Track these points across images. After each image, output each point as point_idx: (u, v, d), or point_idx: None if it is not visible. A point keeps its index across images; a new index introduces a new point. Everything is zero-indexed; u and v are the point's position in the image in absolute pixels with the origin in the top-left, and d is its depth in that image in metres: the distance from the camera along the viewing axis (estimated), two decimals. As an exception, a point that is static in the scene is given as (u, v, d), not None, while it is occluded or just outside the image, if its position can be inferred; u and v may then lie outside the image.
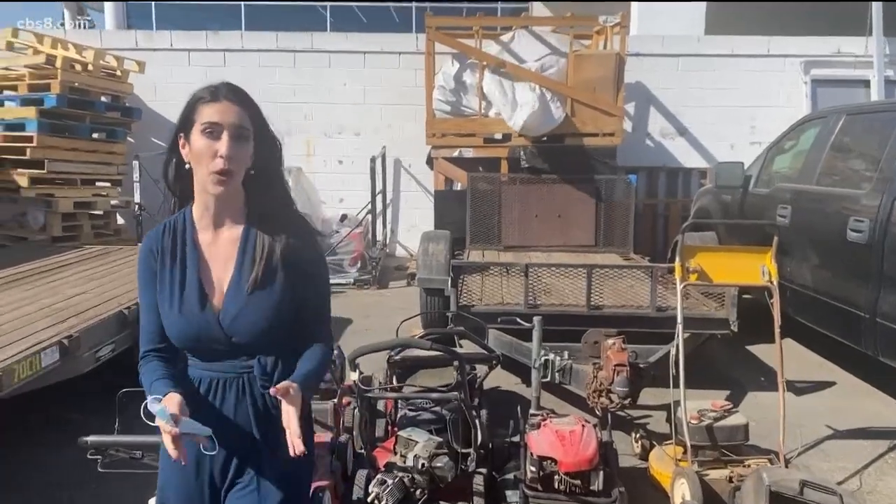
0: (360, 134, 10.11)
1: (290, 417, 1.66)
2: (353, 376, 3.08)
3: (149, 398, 1.65)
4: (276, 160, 1.87)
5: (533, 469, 3.01)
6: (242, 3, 14.89)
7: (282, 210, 1.86)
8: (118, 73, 9.01)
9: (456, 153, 8.58)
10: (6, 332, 4.20)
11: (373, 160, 8.88)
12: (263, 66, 9.77)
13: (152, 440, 2.08)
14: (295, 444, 1.64)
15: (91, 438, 2.07)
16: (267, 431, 1.81)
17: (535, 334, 3.97)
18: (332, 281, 8.18)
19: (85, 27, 15.55)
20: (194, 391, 1.79)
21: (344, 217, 9.48)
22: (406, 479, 2.82)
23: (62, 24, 13.77)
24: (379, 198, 9.37)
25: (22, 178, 7.88)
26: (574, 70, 7.54)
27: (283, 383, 1.67)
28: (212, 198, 1.76)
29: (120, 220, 9.29)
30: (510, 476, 3.16)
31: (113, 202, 8.94)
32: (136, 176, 8.15)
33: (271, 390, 1.67)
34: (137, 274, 1.81)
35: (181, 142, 1.75)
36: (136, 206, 8.19)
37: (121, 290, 5.40)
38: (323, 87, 9.95)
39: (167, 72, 9.59)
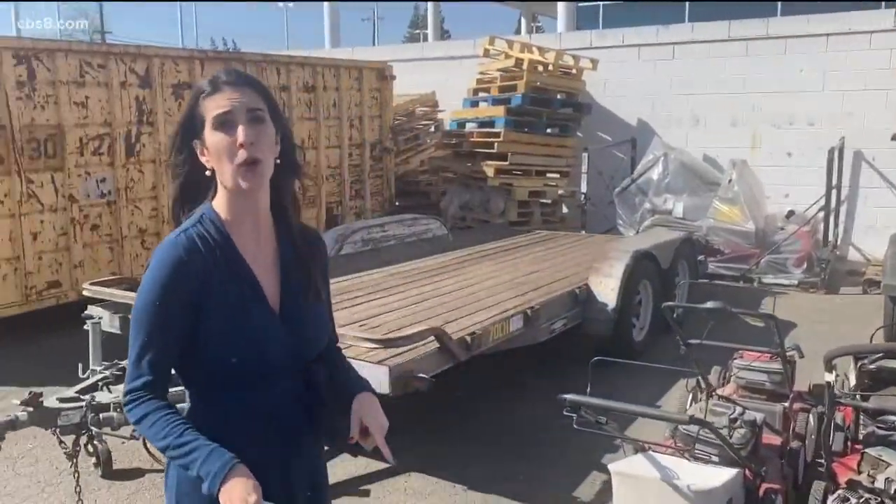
0: (813, 124, 9.26)
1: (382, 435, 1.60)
2: (827, 377, 2.87)
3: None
4: (293, 146, 1.64)
5: None
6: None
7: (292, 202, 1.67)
8: (573, 71, 9.71)
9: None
10: (482, 298, 4.90)
11: (830, 152, 8.07)
12: (713, 56, 9.56)
13: (625, 407, 2.25)
14: (386, 454, 1.58)
15: (570, 396, 2.31)
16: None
17: None
18: (773, 280, 7.70)
19: (534, 31, 17.00)
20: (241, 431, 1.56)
21: (790, 213, 8.81)
22: (873, 502, 2.55)
23: (517, 31, 15.24)
24: (833, 193, 8.49)
25: (489, 168, 9.04)
26: None
27: (375, 422, 1.60)
28: (242, 197, 1.54)
29: (564, 209, 10.04)
30: None
31: (560, 192, 9.70)
32: (584, 168, 8.72)
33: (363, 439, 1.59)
34: (153, 292, 1.50)
35: (198, 148, 1.55)
36: (583, 196, 8.77)
37: (568, 271, 5.86)
38: (775, 75, 9.34)
39: (617, 68, 10.01)
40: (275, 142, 1.55)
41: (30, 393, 3.24)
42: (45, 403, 3.29)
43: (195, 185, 1.59)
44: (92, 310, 4.42)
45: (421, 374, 3.50)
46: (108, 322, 4.41)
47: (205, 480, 1.42)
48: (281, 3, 47.44)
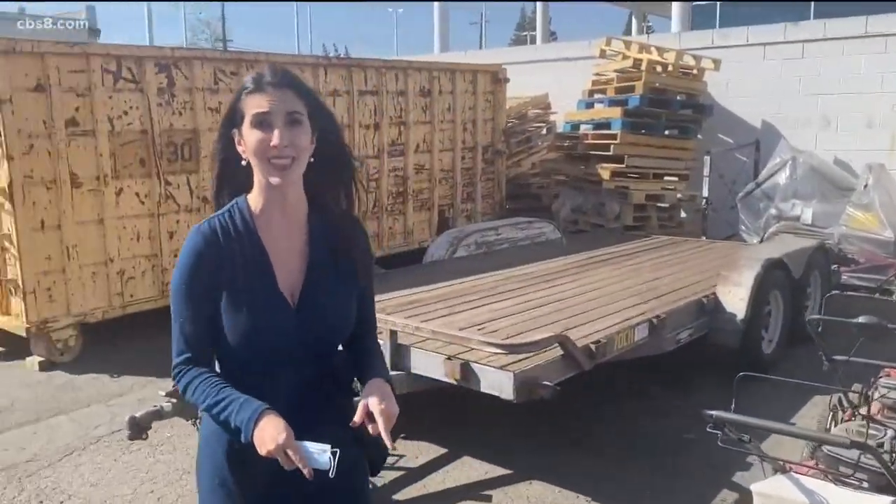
0: (961, 125, 8.57)
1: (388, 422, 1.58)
2: None
3: (317, 449, 1.48)
4: (337, 141, 1.71)
5: None
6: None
7: (340, 198, 1.74)
8: (694, 72, 9.38)
9: None
10: (603, 305, 4.80)
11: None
12: (848, 54, 8.99)
13: (779, 427, 2.13)
14: (387, 440, 1.56)
15: (716, 413, 2.21)
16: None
17: None
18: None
19: (645, 31, 16.55)
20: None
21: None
22: None
23: (626, 32, 14.91)
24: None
25: (605, 171, 8.87)
26: None
27: (379, 406, 1.58)
28: (275, 190, 1.62)
29: (682, 214, 9.71)
30: None
31: (678, 196, 9.39)
32: (705, 171, 8.40)
33: (373, 427, 1.57)
34: (181, 276, 1.61)
35: (236, 138, 1.63)
36: (704, 201, 8.45)
37: (693, 279, 5.65)
38: (919, 71, 8.69)
39: (740, 68, 9.59)
40: (310, 141, 1.62)
41: (174, 385, 3.41)
42: (188, 395, 3.45)
43: (232, 174, 1.67)
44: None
45: (545, 382, 3.46)
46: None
47: (241, 431, 1.50)
48: (391, 8, 48.41)
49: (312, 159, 1.64)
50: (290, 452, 1.45)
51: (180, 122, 6.29)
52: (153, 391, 5.06)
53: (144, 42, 26.85)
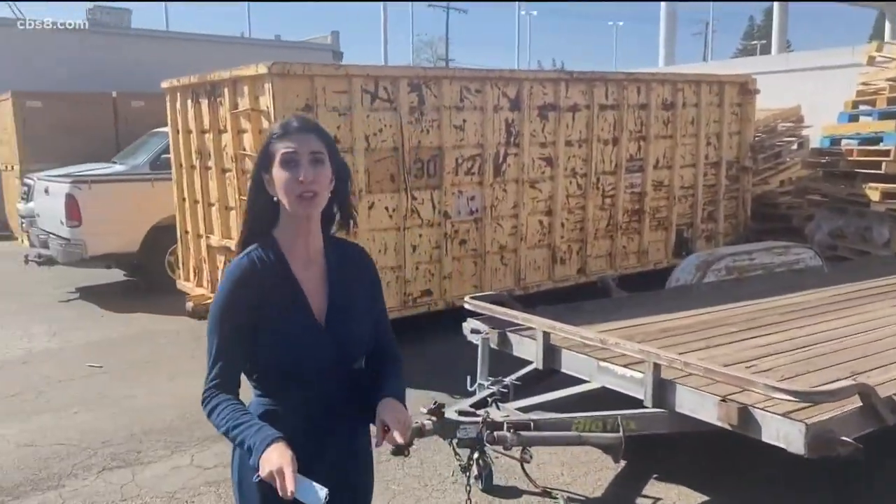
0: None
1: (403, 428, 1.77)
2: None
3: (314, 486, 1.59)
4: (346, 184, 1.92)
5: None
6: None
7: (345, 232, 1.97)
8: None
9: None
10: (892, 347, 4.18)
11: None
12: None
13: None
14: (399, 434, 1.75)
15: None
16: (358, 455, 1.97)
17: None
18: None
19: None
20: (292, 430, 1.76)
21: None
22: None
23: (874, 37, 13.27)
24: None
25: (873, 191, 7.88)
26: None
27: (393, 422, 1.78)
28: (301, 222, 1.82)
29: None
30: None
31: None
32: None
33: (392, 437, 1.76)
34: (221, 307, 1.81)
35: (266, 178, 1.82)
36: None
37: None
38: None
39: None
40: (330, 180, 1.83)
41: (434, 403, 3.42)
42: (447, 415, 3.44)
43: (262, 214, 1.87)
44: (472, 323, 4.61)
45: (844, 438, 3.01)
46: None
47: (253, 451, 1.66)
48: (610, 21, 47.59)
49: (330, 195, 1.85)
50: (282, 477, 1.57)
51: (427, 139, 6.47)
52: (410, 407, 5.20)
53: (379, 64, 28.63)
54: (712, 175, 8.77)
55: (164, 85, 7.53)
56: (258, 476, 1.61)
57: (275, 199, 1.82)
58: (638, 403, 3.78)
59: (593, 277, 7.73)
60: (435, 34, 63.64)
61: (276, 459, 1.60)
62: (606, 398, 4.02)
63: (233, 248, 6.57)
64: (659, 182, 8.23)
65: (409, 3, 46.90)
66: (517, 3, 44.76)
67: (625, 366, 3.97)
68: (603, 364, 3.97)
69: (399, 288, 6.51)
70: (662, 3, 26.79)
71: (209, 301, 7.14)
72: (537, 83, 7.08)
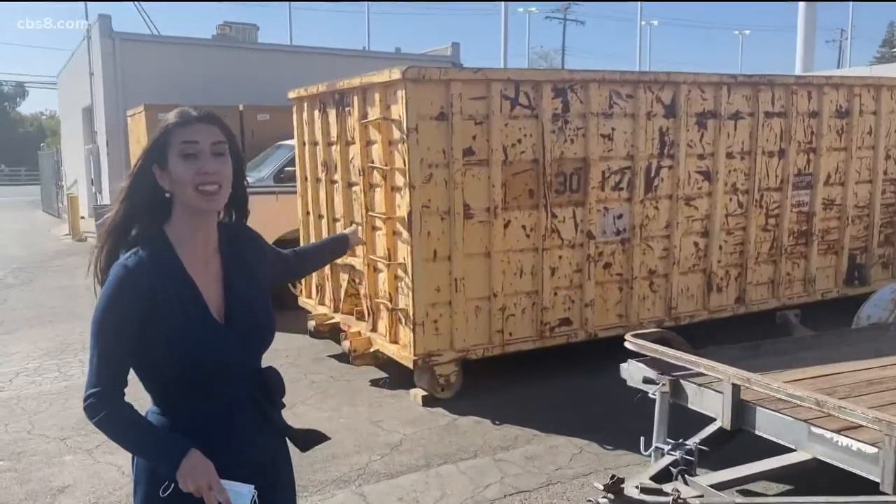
0: None
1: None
2: None
3: (241, 487, 1.61)
4: (242, 172, 1.82)
5: None
6: None
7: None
8: None
9: None
10: None
11: None
12: None
13: None
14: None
15: None
16: (280, 445, 1.91)
17: None
18: None
19: None
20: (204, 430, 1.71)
21: None
22: None
23: None
24: None
25: None
26: None
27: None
28: (200, 217, 1.72)
29: None
30: None
31: None
32: None
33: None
34: (104, 311, 1.64)
35: (157, 172, 1.69)
36: None
37: None
38: None
39: None
40: (231, 171, 1.74)
41: (612, 477, 2.75)
42: (626, 491, 2.76)
43: (147, 208, 1.71)
44: (642, 369, 3.89)
45: None
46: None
47: (164, 469, 1.60)
48: (736, 31, 45.32)
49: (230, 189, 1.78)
50: (214, 490, 1.56)
51: (571, 150, 5.80)
52: (541, 449, 4.57)
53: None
54: (891, 193, 7.65)
55: (291, 95, 7.24)
56: (168, 487, 1.57)
57: (167, 194, 1.69)
58: (868, 485, 2.97)
59: (753, 308, 6.82)
60: (550, 47, 62.86)
61: (200, 471, 1.57)
62: (811, 472, 3.24)
63: (358, 267, 6.14)
64: (830, 200, 7.21)
65: (526, 14, 46.36)
66: (637, 12, 43.18)
67: (839, 431, 3.17)
68: (817, 430, 3.17)
69: (535, 315, 5.85)
70: (801, 4, 24.95)
71: (332, 321, 6.75)
72: (696, 87, 6.27)
